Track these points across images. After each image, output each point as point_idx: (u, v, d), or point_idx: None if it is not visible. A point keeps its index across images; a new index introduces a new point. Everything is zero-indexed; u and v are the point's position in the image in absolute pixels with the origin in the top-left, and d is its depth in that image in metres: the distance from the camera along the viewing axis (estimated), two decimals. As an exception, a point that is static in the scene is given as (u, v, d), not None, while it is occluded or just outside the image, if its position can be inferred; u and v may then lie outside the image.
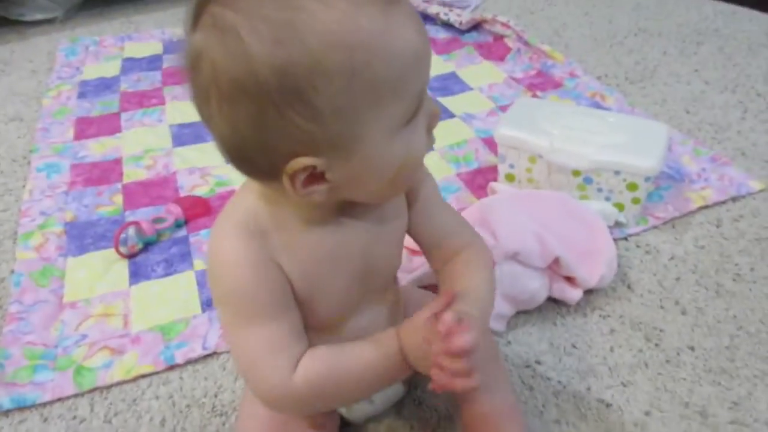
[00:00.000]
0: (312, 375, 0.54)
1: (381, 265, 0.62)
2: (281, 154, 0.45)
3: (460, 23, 1.72)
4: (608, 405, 0.75)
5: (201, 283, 0.93)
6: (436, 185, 0.65)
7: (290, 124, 0.43)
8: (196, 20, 0.44)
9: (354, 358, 0.56)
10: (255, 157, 0.46)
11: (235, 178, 1.15)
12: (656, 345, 0.83)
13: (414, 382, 0.75)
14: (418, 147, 0.51)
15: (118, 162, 1.21)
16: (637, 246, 1.00)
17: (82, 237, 1.02)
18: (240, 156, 0.47)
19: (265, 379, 0.53)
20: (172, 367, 0.81)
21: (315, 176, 0.47)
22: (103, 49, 1.68)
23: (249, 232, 0.52)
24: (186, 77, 0.46)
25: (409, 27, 0.45)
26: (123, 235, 0.98)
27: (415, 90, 0.47)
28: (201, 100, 0.46)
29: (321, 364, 0.54)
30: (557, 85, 1.45)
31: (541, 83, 1.46)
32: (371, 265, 0.59)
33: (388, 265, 0.64)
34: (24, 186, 1.15)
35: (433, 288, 0.85)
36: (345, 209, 0.55)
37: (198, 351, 0.82)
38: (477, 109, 1.36)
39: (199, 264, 0.96)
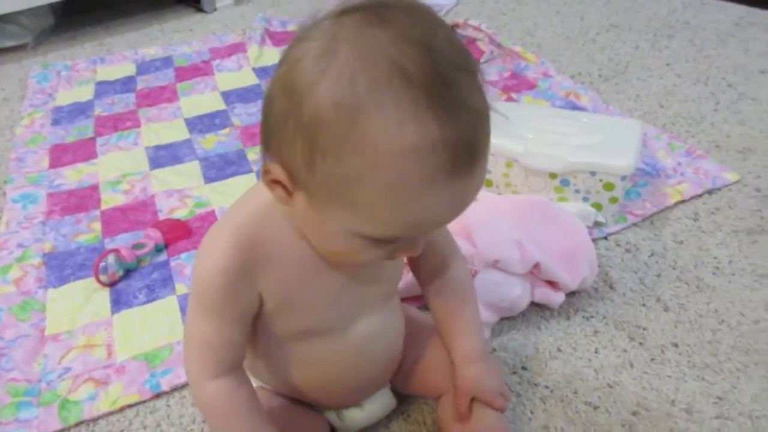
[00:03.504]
0: (221, 399, 0.57)
1: (382, 277, 0.63)
2: (274, 150, 0.47)
3: (433, 29, 1.72)
4: (596, 407, 0.76)
5: (184, 308, 0.92)
6: None
7: (292, 146, 0.44)
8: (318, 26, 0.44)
9: (253, 425, 0.58)
10: (264, 123, 0.48)
11: (214, 199, 1.15)
12: (640, 344, 0.84)
13: (403, 395, 0.75)
14: (368, 255, 0.50)
15: (95, 188, 1.20)
16: (617, 245, 1.00)
17: (61, 267, 1.01)
18: (262, 116, 0.48)
19: (191, 367, 0.58)
20: (158, 395, 0.81)
21: (282, 186, 0.48)
22: (76, 73, 1.67)
23: (240, 243, 0.53)
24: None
25: (445, 201, 0.45)
26: (103, 264, 0.97)
27: (404, 237, 0.49)
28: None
29: (231, 403, 0.57)
30: (532, 86, 1.46)
31: (516, 85, 1.47)
32: (370, 276, 0.60)
33: (390, 276, 0.65)
34: (0, 218, 1.14)
35: (414, 300, 0.85)
36: None
37: (183, 377, 0.81)
38: (453, 114, 1.36)
39: (180, 288, 0.96)
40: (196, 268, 0.56)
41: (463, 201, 0.47)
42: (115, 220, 1.11)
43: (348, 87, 0.41)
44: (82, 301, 0.95)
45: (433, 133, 0.41)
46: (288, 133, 0.44)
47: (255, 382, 0.67)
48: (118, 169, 1.26)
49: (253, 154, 1.28)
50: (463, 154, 0.43)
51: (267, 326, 0.59)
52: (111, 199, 1.17)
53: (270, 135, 0.47)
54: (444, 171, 0.42)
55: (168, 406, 0.80)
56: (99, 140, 1.36)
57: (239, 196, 0.58)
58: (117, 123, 1.42)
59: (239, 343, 0.57)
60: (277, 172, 0.47)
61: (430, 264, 0.68)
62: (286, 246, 0.55)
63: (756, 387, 0.77)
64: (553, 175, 1.00)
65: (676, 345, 0.83)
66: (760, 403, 0.75)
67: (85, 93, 1.56)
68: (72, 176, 1.24)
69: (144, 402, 0.80)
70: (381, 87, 0.40)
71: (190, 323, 0.57)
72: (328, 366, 0.63)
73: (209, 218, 1.11)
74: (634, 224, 1.04)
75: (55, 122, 1.43)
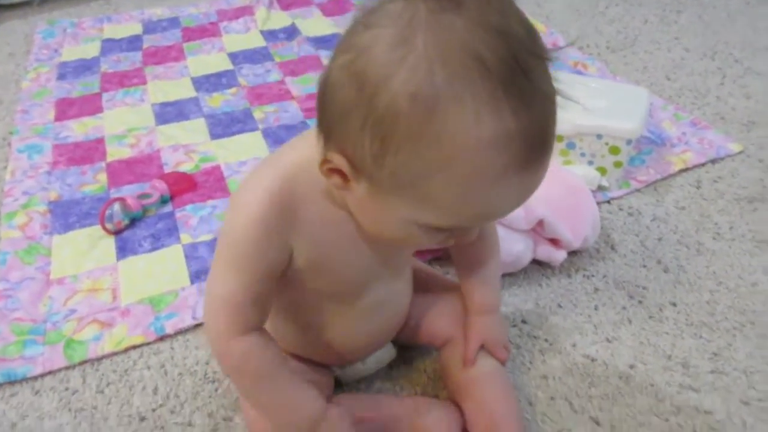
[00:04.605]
0: (253, 356, 0.55)
1: (403, 249, 0.64)
2: (336, 139, 0.45)
3: None
4: (593, 360, 0.77)
5: (189, 257, 0.93)
6: None
7: (359, 138, 0.43)
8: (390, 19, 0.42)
9: (282, 384, 0.58)
10: (325, 110, 0.46)
11: (220, 154, 1.16)
12: (639, 302, 0.85)
13: (404, 344, 0.76)
14: (421, 241, 0.51)
15: (100, 141, 1.20)
16: (620, 209, 1.01)
17: (66, 215, 1.02)
18: (322, 102, 0.46)
19: (215, 324, 0.55)
20: (162, 338, 0.82)
21: (341, 173, 0.47)
22: (82, 31, 1.66)
23: (280, 194, 0.51)
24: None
25: (515, 191, 0.45)
26: (108, 212, 0.97)
27: (466, 222, 0.48)
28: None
29: (264, 359, 0.56)
30: (539, 55, 1.45)
31: (523, 54, 1.47)
32: (394, 249, 0.61)
33: (411, 248, 0.66)
34: (5, 167, 1.14)
35: (425, 253, 0.86)
36: None
37: (188, 321, 0.83)
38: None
39: (185, 238, 0.96)
40: (229, 219, 0.54)
41: (531, 189, 0.46)
42: (121, 172, 1.12)
43: (426, 79, 0.39)
44: (87, 247, 0.95)
45: (509, 124, 0.40)
46: (355, 124, 0.42)
47: None
48: (124, 123, 1.26)
49: (260, 112, 1.28)
50: (536, 143, 0.42)
51: (284, 285, 0.57)
52: (116, 152, 1.17)
53: (332, 124, 0.45)
54: (517, 161, 0.42)
55: (172, 348, 0.81)
56: (105, 95, 1.36)
57: (270, 151, 0.57)
58: (123, 80, 1.42)
59: (267, 299, 0.56)
60: (339, 162, 0.45)
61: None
62: (323, 207, 0.53)
63: (751, 345, 0.78)
64: (559, 138, 1.00)
65: (674, 304, 0.84)
66: (754, 359, 0.76)
67: (91, 50, 1.56)
68: (78, 129, 1.24)
69: (148, 344, 0.81)
70: (459, 78, 0.39)
71: (216, 278, 0.55)
72: (338, 328, 0.64)
73: (215, 173, 1.11)
74: (638, 190, 1.05)
75: (61, 77, 1.43)
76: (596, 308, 0.84)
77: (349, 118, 0.43)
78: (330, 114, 0.45)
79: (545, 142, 0.43)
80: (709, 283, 0.87)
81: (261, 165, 0.55)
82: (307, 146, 0.52)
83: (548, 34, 1.54)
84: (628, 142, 0.97)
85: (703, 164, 1.10)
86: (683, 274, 0.89)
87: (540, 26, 1.57)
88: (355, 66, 0.42)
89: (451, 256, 0.72)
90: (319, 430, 0.58)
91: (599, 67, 1.39)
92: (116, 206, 0.98)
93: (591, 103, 1.00)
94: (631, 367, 0.76)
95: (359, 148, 0.43)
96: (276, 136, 1.20)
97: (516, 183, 0.43)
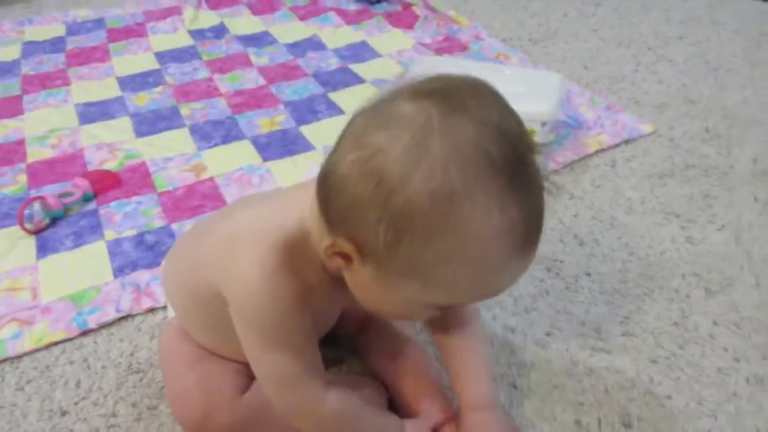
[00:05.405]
0: (342, 408, 0.58)
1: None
2: (344, 227, 0.47)
3: (370, -6, 1.74)
4: (513, 330, 0.80)
5: (113, 252, 0.92)
6: None
7: (373, 229, 0.45)
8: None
9: (371, 419, 0.61)
10: (334, 200, 0.47)
11: (146, 151, 1.15)
12: (556, 274, 0.88)
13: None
14: (420, 317, 0.56)
15: (20, 143, 1.17)
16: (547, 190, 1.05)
17: (-16, 217, 0.99)
18: (328, 191, 0.48)
19: (302, 394, 0.56)
20: (85, 333, 0.81)
21: (344, 256, 0.49)
22: (2, 34, 1.62)
23: (282, 265, 0.52)
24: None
25: (516, 271, 0.49)
26: (28, 211, 0.95)
27: (468, 302, 0.55)
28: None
29: (352, 405, 0.59)
30: (464, 48, 1.50)
31: (449, 47, 1.50)
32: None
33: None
34: None
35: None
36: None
37: (111, 315, 0.82)
38: (387, 74, 1.39)
39: (110, 234, 0.95)
40: (245, 309, 0.54)
41: (527, 267, 0.50)
42: (42, 173, 1.09)
43: (443, 178, 0.42)
44: (6, 248, 0.93)
45: (514, 215, 0.44)
46: (370, 216, 0.44)
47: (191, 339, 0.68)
48: (45, 124, 1.23)
49: (187, 109, 1.27)
50: (534, 228, 0.47)
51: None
52: (37, 153, 1.15)
53: (343, 214, 0.47)
54: (521, 246, 0.46)
55: (95, 342, 0.80)
56: (26, 98, 1.33)
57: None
58: (45, 81, 1.39)
59: (318, 354, 0.57)
60: (348, 248, 0.48)
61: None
62: (316, 269, 0.54)
63: (659, 308, 0.83)
64: (478, 122, 1.03)
65: (588, 274, 0.88)
66: (661, 321, 0.81)
67: (12, 52, 1.52)
68: (-4, 131, 1.21)
69: (71, 339, 0.80)
70: (472, 176, 0.43)
71: (265, 364, 0.55)
72: None
73: (140, 169, 1.10)
74: (555, 171, 1.09)
75: (-21, 80, 1.39)
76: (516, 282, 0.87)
77: (363, 211, 0.45)
78: (340, 205, 0.47)
79: (541, 226, 0.48)
80: (621, 253, 0.92)
81: (252, 231, 0.54)
82: (296, 208, 0.54)
83: (472, 28, 1.59)
84: (543, 123, 1.01)
85: (617, 145, 1.15)
86: (597, 246, 0.93)
87: (464, 20, 1.62)
88: (371, 164, 0.44)
89: (437, 346, 0.69)
90: None
91: (521, 57, 1.44)
92: (36, 205, 0.96)
93: (507, 89, 1.03)
94: (548, 334, 0.79)
95: (372, 239, 0.45)
96: (203, 132, 1.19)
97: (518, 264, 0.48)
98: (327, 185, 0.48)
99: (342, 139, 0.48)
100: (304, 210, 0.53)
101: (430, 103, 0.44)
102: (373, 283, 0.50)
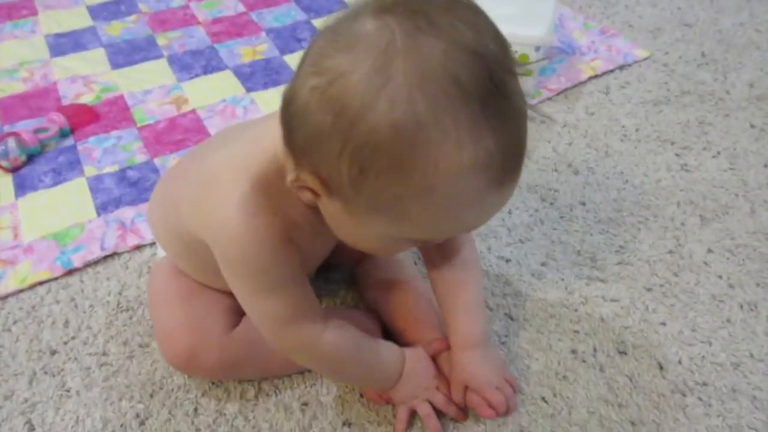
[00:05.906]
0: (340, 342, 0.57)
1: None
2: (308, 160, 0.43)
3: None
4: (507, 260, 0.79)
5: (94, 189, 0.89)
6: None
7: (336, 163, 0.41)
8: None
9: (370, 349, 0.61)
10: (296, 131, 0.43)
11: (123, 84, 1.10)
12: (551, 204, 0.87)
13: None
14: (396, 251, 0.55)
15: (-11, 77, 1.12)
16: (532, 117, 1.02)
17: (-44, 155, 0.95)
18: (290, 120, 0.44)
19: (297, 333, 0.55)
20: (70, 272, 0.79)
21: (312, 191, 0.46)
22: (-40, -40, 1.51)
23: (261, 206, 0.49)
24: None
25: (492, 206, 0.46)
26: (2, 148, 0.91)
27: (444, 236, 0.52)
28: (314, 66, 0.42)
29: (350, 338, 0.58)
30: (452, -29, 1.43)
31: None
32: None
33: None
34: None
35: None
36: None
37: (96, 253, 0.80)
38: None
39: (90, 170, 0.92)
40: (226, 255, 0.51)
41: (506, 201, 0.46)
42: (14, 108, 1.05)
43: (407, 108, 0.38)
44: (-18, 187, 0.90)
45: (489, 146, 0.39)
46: (332, 150, 0.40)
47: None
48: (14, 57, 1.17)
49: (164, 39, 1.21)
50: (513, 159, 0.42)
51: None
52: (8, 87, 1.09)
53: (304, 147, 0.43)
54: (496, 180, 0.42)
55: (82, 281, 0.78)
56: (-9, 29, 1.25)
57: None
58: (11, 12, 1.31)
59: (310, 291, 0.56)
60: (313, 183, 0.44)
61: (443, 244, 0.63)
62: (299, 205, 0.51)
63: (654, 236, 0.82)
64: (470, 48, 0.99)
65: (583, 203, 0.87)
66: (656, 249, 0.80)
67: (-28, -20, 1.42)
68: (-38, 65, 1.15)
69: (56, 279, 0.78)
70: (440, 105, 0.38)
71: (265, 307, 0.53)
72: None
73: (118, 103, 1.05)
74: (549, 98, 1.06)
75: (-61, 11, 1.31)
76: (510, 212, 0.86)
77: (324, 143, 0.41)
78: (301, 137, 0.43)
79: (521, 155, 0.43)
80: (616, 182, 0.90)
81: (223, 169, 0.52)
82: (270, 140, 0.49)
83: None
84: (537, 48, 0.97)
85: (611, 71, 1.12)
86: (592, 175, 0.91)
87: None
88: (330, 92, 0.40)
89: (430, 280, 0.66)
90: (404, 370, 0.62)
91: (512, -20, 1.38)
92: (11, 142, 0.92)
93: (497, 10, 0.99)
94: (543, 264, 0.79)
95: (335, 173, 0.42)
96: (182, 62, 1.14)
97: (495, 198, 0.44)
98: (288, 114, 0.44)
99: (303, 61, 0.43)
100: (277, 142, 0.48)
101: (394, 20, 0.39)
102: (343, 217, 0.46)
